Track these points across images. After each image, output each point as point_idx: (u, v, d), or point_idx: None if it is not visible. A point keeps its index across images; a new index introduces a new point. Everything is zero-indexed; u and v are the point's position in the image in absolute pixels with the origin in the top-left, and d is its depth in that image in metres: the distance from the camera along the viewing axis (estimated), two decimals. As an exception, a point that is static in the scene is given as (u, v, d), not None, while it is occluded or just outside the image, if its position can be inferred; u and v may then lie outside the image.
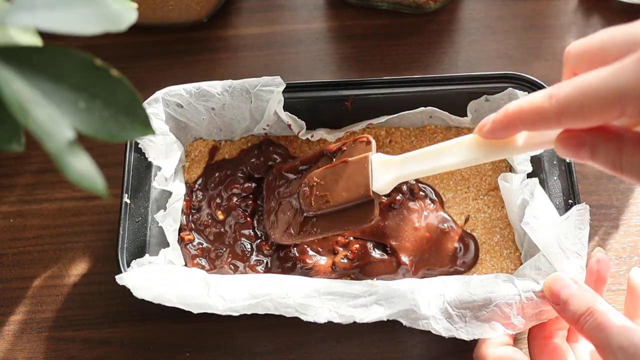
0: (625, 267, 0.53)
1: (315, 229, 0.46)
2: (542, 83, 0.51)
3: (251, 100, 0.52)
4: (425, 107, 0.53)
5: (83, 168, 0.25)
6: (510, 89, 0.51)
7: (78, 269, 0.54)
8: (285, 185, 0.51)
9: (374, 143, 0.45)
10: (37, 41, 0.32)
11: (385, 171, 0.43)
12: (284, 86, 0.51)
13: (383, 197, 0.50)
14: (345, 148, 0.47)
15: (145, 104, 0.51)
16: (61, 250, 0.55)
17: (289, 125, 0.54)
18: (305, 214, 0.47)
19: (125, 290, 0.53)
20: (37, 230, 0.55)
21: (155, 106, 0.51)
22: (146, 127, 0.27)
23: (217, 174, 0.54)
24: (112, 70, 0.26)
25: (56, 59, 0.26)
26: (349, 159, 0.45)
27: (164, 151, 0.51)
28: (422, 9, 0.64)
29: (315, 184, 0.46)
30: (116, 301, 0.52)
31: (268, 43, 0.64)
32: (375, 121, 0.54)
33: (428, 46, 0.64)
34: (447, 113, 0.53)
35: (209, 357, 0.50)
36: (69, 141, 0.24)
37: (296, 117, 0.53)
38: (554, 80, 0.52)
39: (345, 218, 0.44)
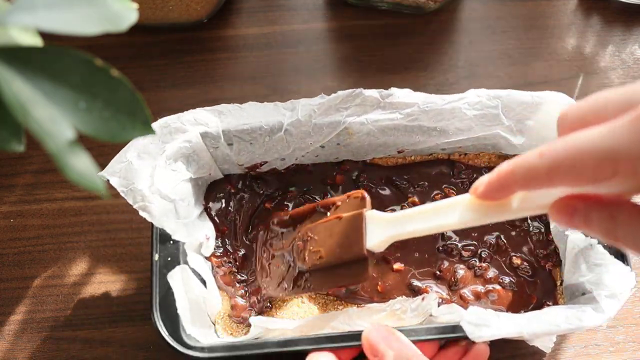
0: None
1: (308, 284, 0.45)
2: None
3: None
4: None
5: (83, 168, 0.25)
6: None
7: (78, 269, 0.54)
8: (276, 237, 0.50)
9: (368, 199, 0.44)
10: (37, 41, 0.32)
11: (380, 229, 0.41)
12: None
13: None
14: (339, 203, 0.46)
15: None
16: (61, 250, 0.55)
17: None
18: (299, 269, 0.46)
19: (125, 290, 0.53)
20: (37, 230, 0.55)
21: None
22: (147, 127, 0.27)
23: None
24: (113, 70, 0.26)
25: (56, 59, 0.26)
26: (343, 215, 0.44)
27: (185, 231, 0.48)
28: (422, 9, 0.64)
29: (309, 238, 0.45)
30: (116, 301, 0.52)
31: (268, 43, 0.64)
32: None
33: (428, 46, 0.64)
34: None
35: (209, 357, 0.50)
36: (69, 141, 0.24)
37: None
38: (553, 80, 0.52)
39: (338, 275, 0.43)
